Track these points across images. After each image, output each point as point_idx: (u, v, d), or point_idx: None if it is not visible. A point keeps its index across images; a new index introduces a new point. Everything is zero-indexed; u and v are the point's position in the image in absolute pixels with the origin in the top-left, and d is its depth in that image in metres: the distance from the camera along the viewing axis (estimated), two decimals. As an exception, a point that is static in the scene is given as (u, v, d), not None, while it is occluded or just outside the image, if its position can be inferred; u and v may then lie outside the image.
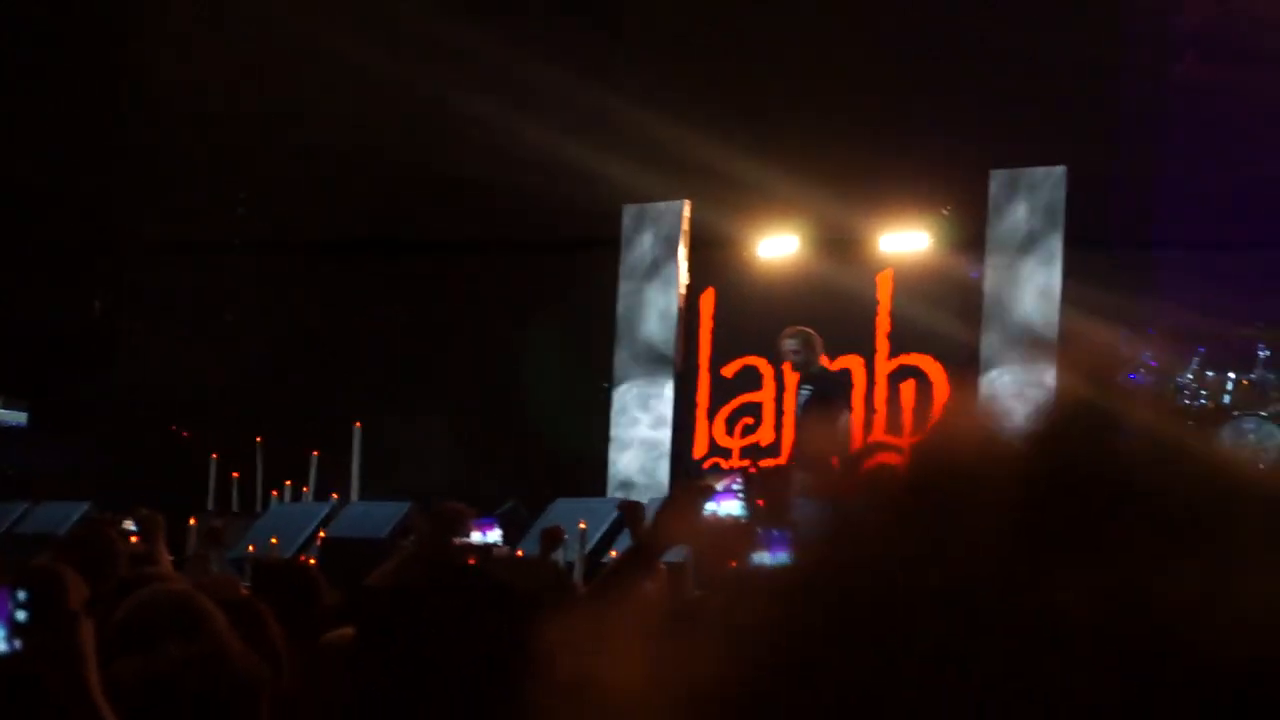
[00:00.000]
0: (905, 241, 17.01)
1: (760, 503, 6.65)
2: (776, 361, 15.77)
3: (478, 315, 20.28)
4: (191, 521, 13.36)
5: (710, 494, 5.76)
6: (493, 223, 19.63)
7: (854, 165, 17.36)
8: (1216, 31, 17.10)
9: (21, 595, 3.41)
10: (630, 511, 6.66)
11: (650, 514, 11.25)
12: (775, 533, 6.46)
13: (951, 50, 17.45)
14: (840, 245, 17.28)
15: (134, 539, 10.62)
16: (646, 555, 5.08)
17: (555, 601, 2.88)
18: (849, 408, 15.46)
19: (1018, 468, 1.12)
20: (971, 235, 16.70)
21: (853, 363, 16.87)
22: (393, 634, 2.82)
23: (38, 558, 7.88)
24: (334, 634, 4.98)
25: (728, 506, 6.62)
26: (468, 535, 6.03)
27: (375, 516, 14.15)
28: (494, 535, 6.51)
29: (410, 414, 18.44)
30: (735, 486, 6.18)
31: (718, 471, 16.57)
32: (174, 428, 19.22)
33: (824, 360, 15.16)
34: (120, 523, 9.57)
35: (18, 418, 18.73)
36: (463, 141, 18.40)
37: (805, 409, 15.12)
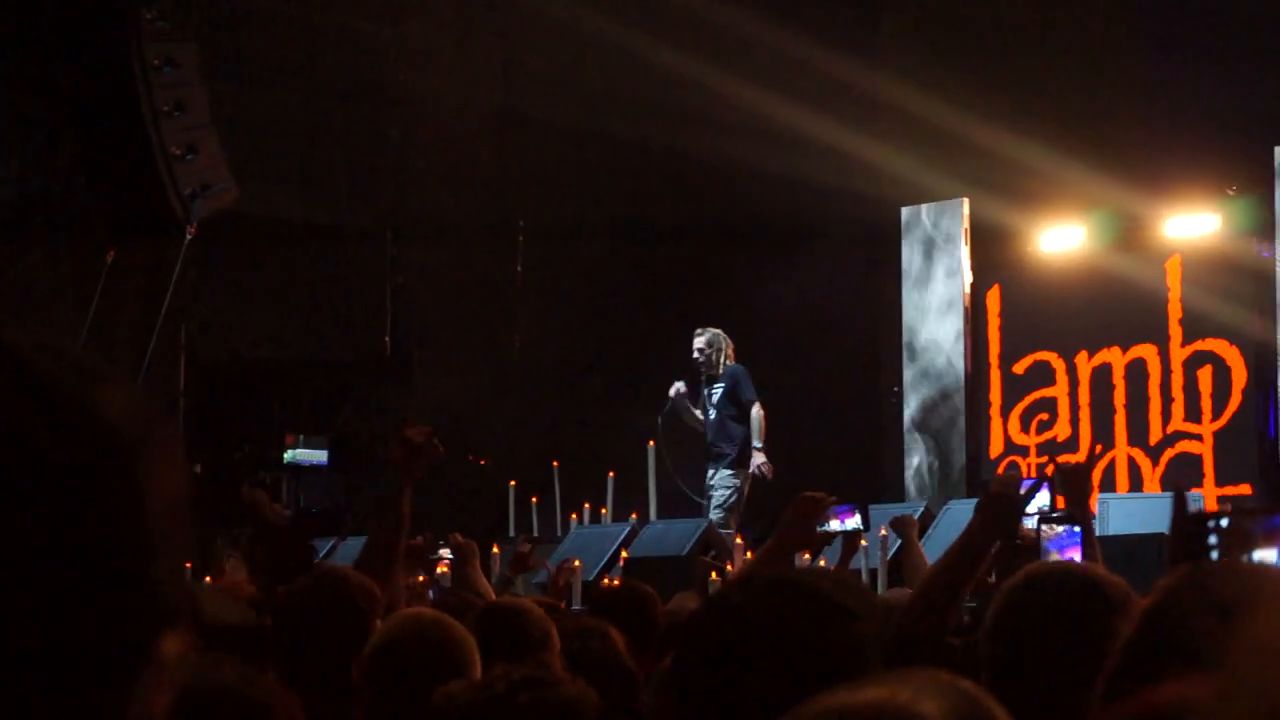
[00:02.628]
0: (1192, 225, 16.64)
1: (1060, 502, 6.49)
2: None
3: (758, 316, 20.32)
4: (494, 549, 13.49)
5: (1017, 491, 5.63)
6: (766, 219, 19.73)
7: (1133, 150, 17.07)
8: None
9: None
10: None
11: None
12: (1072, 530, 6.34)
13: (1229, 23, 17.07)
14: (1125, 233, 16.99)
15: (442, 566, 10.81)
16: (975, 551, 5.00)
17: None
18: (756, 400, 15.45)
19: None
20: (1261, 214, 16.29)
21: (1146, 351, 16.58)
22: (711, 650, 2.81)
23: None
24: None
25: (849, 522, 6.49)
26: (827, 524, 6.01)
27: (674, 534, 14.20)
28: (853, 522, 6.46)
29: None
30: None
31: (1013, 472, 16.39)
32: (471, 456, 19.49)
33: (731, 357, 15.62)
34: (436, 550, 9.74)
35: (318, 456, 19.12)
36: (740, 133, 18.50)
37: (718, 406, 15.47)
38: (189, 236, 17.18)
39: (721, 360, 15.62)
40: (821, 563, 12.92)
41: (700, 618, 2.90)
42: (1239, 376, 16.14)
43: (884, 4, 20.16)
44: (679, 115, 19.19)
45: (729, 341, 15.74)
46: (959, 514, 13.35)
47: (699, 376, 15.66)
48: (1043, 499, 6.36)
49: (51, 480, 1.19)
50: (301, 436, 19.24)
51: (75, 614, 1.18)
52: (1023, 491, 4.98)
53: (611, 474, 15.55)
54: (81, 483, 1.19)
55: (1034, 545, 6.25)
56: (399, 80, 20.73)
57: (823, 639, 2.68)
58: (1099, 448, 16.40)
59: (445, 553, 9.96)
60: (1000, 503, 4.87)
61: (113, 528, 1.20)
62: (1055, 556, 6.28)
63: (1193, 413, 16.34)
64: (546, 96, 20.57)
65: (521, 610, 5.30)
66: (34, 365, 1.22)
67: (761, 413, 15.41)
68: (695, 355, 15.67)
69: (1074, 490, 6.45)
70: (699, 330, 15.82)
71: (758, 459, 15.36)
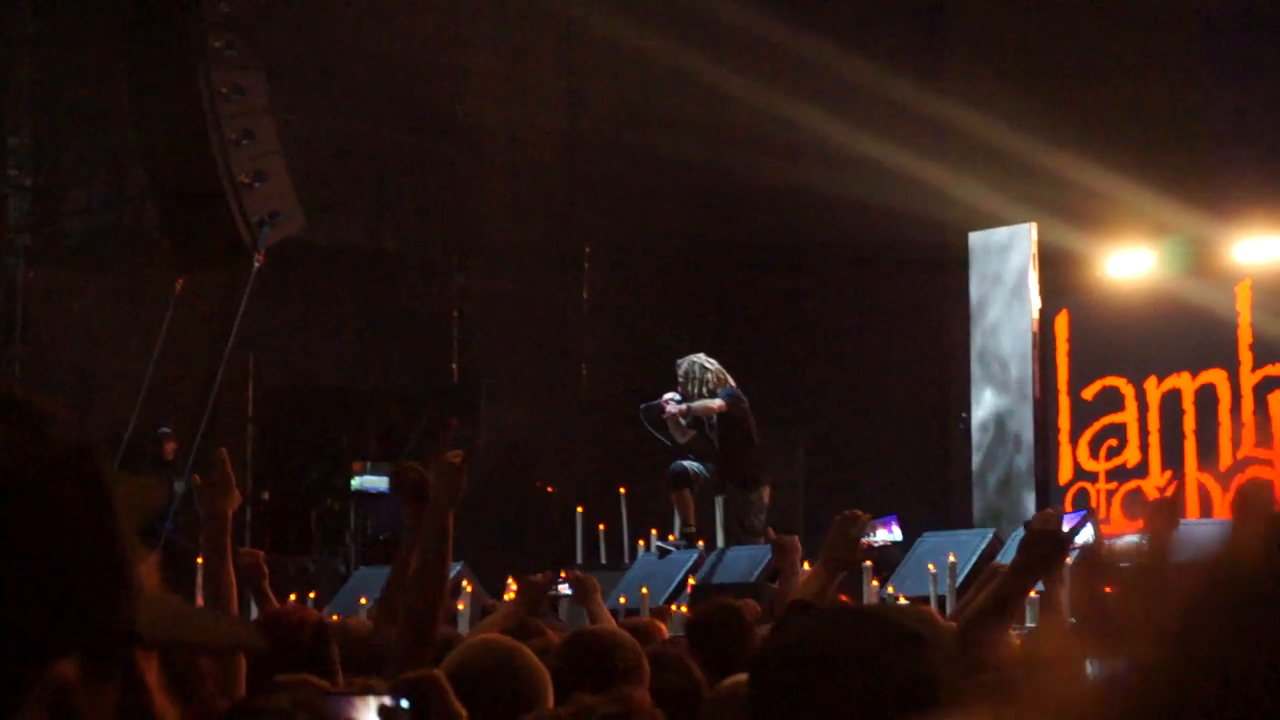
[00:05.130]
0: (1262, 249, 16.51)
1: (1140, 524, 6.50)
2: None
3: (825, 342, 20.29)
4: (563, 575, 13.47)
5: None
6: (834, 245, 19.69)
7: (1201, 173, 16.98)
8: None
9: (404, 704, 3.43)
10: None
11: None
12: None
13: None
14: (1194, 257, 16.88)
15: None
16: (1017, 589, 4.95)
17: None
18: (722, 401, 15.31)
19: None
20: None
21: (1216, 377, 16.46)
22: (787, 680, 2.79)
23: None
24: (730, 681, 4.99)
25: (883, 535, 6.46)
26: (874, 534, 6.01)
27: (741, 561, 14.16)
28: (896, 533, 6.45)
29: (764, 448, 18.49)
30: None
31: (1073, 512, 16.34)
32: (538, 483, 19.49)
33: (723, 382, 15.43)
34: (555, 585, 9.73)
35: (380, 483, 19.17)
36: (807, 158, 18.50)
37: (720, 434, 15.34)
38: (257, 264, 17.26)
39: (701, 389, 15.46)
40: (890, 590, 12.87)
41: (772, 644, 2.89)
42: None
43: (951, 28, 20.13)
44: (745, 141, 19.20)
45: (711, 367, 15.55)
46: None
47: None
48: (1087, 534, 6.39)
49: None
50: (368, 464, 19.30)
51: None
52: (1066, 529, 5.00)
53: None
54: None
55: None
56: (465, 109, 20.80)
57: (895, 664, 2.67)
58: (1172, 480, 16.34)
59: (565, 588, 9.96)
60: (1042, 539, 4.87)
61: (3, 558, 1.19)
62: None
63: (1263, 438, 16.20)
64: (612, 124, 20.60)
65: (609, 639, 5.23)
66: None
67: (717, 405, 15.26)
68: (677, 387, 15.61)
69: (1160, 522, 6.46)
70: (678, 361, 15.74)
71: (674, 407, 15.25)
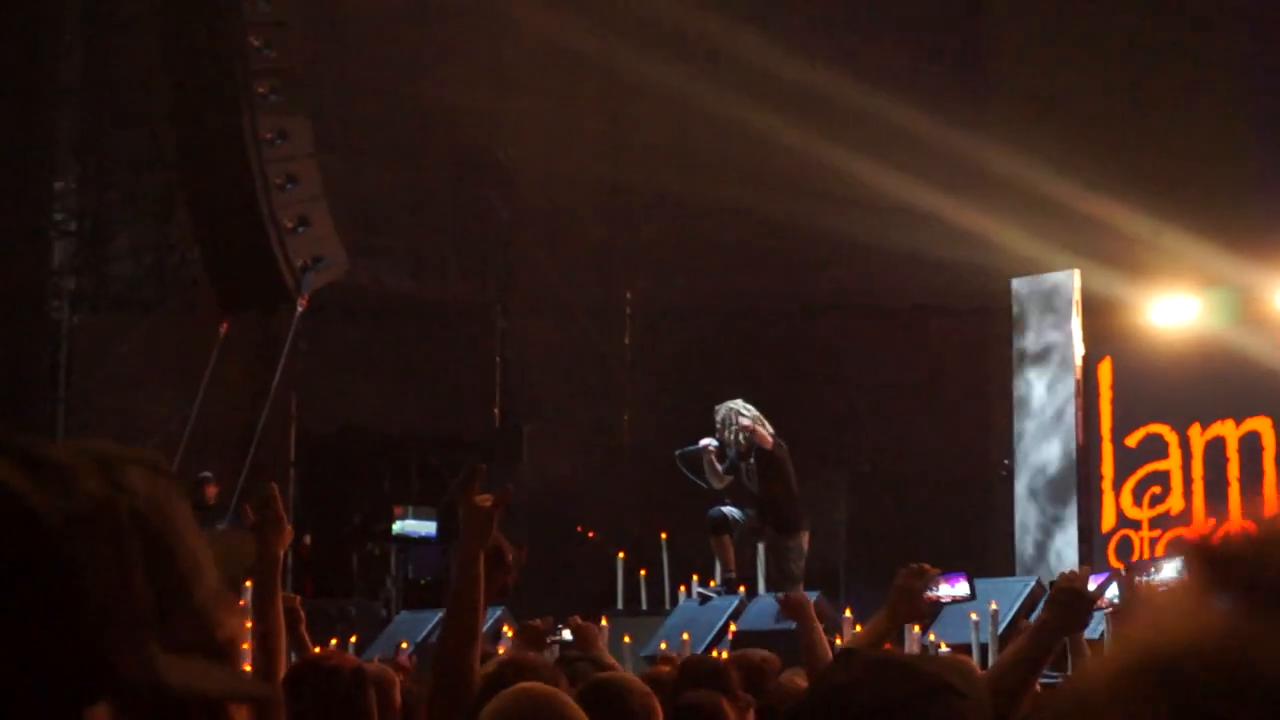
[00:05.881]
0: (1305, 295, 16.46)
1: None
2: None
3: (867, 387, 20.24)
4: (603, 622, 13.44)
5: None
6: (875, 292, 19.66)
7: (1244, 219, 16.93)
8: None
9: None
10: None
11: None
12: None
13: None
14: (1238, 305, 16.82)
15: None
16: (1043, 645, 4.93)
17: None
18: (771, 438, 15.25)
19: None
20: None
21: (1260, 424, 16.38)
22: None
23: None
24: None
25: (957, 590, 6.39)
26: (936, 588, 5.96)
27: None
28: (962, 588, 6.37)
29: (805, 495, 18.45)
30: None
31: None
32: (580, 528, 19.48)
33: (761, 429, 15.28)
34: (557, 631, 9.72)
35: (427, 528, 19.17)
36: (848, 206, 18.49)
37: (759, 481, 15.25)
38: (300, 308, 17.32)
39: (739, 435, 15.37)
40: (931, 636, 12.82)
41: (808, 697, 2.90)
42: (1357, 451, 15.92)
43: (994, 76, 20.14)
44: (787, 188, 19.21)
45: (748, 413, 15.44)
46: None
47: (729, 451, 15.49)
48: (1112, 592, 6.37)
49: None
50: (410, 508, 19.30)
51: None
52: (1093, 587, 5.00)
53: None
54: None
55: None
56: (507, 155, 20.86)
57: (928, 714, 2.69)
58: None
59: (566, 634, 9.95)
60: (1070, 597, 4.87)
61: (27, 608, 1.20)
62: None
63: (1309, 487, 16.12)
64: (654, 170, 20.65)
65: (622, 686, 5.23)
66: None
67: (770, 439, 15.24)
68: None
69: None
70: (716, 407, 15.69)
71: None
